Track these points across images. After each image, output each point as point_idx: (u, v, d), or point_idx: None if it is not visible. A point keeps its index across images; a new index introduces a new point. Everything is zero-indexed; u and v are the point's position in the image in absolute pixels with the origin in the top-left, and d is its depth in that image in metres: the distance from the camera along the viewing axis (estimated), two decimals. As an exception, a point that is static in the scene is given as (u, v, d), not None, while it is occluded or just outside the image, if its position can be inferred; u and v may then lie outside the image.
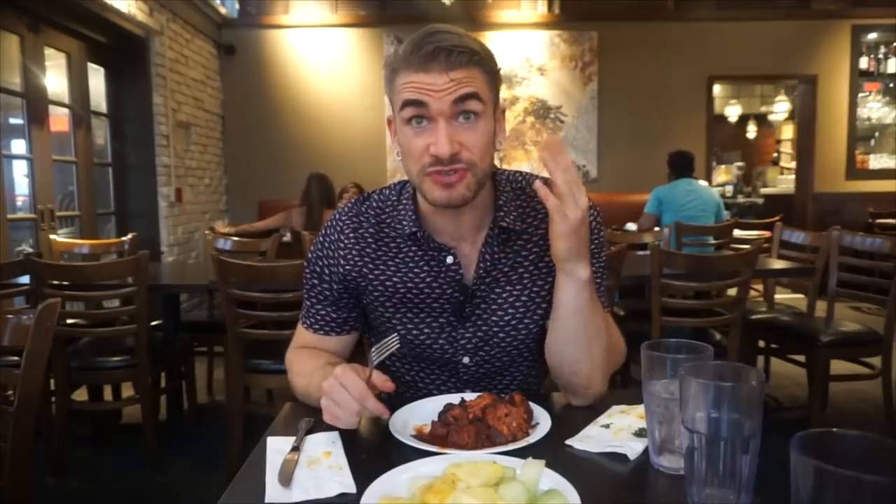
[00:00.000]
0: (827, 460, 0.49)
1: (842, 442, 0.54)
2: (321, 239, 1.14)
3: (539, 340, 1.12)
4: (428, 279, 1.08)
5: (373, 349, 0.96)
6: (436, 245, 1.07)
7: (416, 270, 1.08)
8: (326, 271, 1.12)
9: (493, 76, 0.99)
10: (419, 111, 0.95)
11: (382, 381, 0.91)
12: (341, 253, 1.11)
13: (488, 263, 1.08)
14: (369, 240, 1.10)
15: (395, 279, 1.09)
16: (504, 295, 1.09)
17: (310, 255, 1.15)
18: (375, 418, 0.96)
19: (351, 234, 1.11)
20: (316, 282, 1.14)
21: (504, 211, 1.07)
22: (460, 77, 0.93)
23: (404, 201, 1.09)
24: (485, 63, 0.97)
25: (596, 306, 1.02)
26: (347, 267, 1.11)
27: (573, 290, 0.97)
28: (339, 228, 1.12)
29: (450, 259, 1.07)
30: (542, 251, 1.10)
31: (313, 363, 1.08)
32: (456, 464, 0.74)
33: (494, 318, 1.09)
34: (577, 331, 1.00)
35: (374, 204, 1.13)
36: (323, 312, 1.15)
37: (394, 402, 0.99)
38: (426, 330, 1.10)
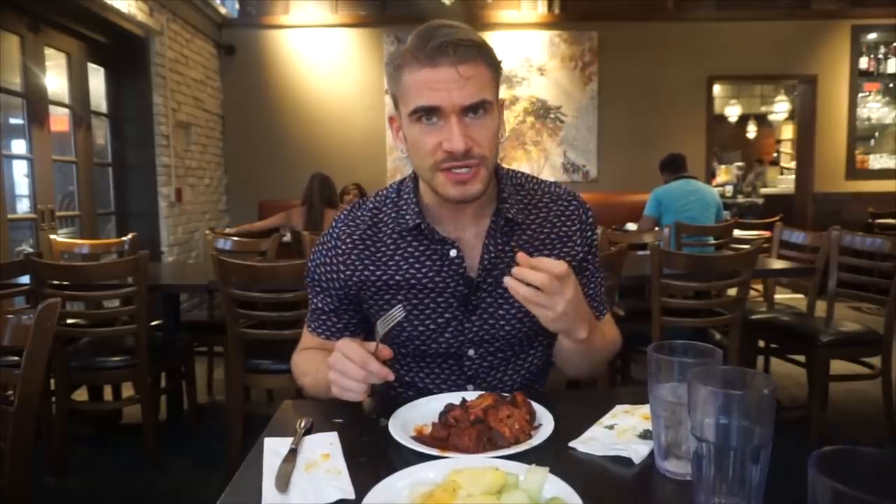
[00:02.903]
0: (846, 479, 0.47)
1: (861, 460, 0.51)
2: (319, 248, 1.13)
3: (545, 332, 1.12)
4: (430, 273, 1.07)
5: (378, 321, 0.96)
6: (439, 237, 1.06)
7: (417, 266, 1.07)
8: (324, 279, 1.12)
9: (496, 69, 1.00)
10: (431, 110, 0.95)
11: (381, 348, 0.93)
12: (340, 259, 1.10)
13: (493, 255, 1.07)
14: (367, 241, 1.10)
15: (397, 277, 1.08)
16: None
17: (309, 264, 1.15)
18: (375, 417, 0.97)
19: (347, 240, 1.10)
20: (318, 290, 1.14)
21: (508, 203, 1.08)
22: (470, 74, 0.93)
23: (405, 196, 1.09)
24: (489, 57, 0.97)
25: (594, 340, 1.02)
26: (347, 273, 1.10)
27: (572, 346, 1.00)
28: (335, 236, 1.12)
29: (453, 252, 1.06)
30: (543, 246, 1.11)
31: (317, 360, 1.08)
32: (457, 470, 0.73)
33: (501, 312, 1.09)
34: (581, 363, 1.09)
35: (370, 206, 1.13)
36: (324, 318, 1.16)
37: (393, 404, 0.99)
38: (432, 325, 1.09)
